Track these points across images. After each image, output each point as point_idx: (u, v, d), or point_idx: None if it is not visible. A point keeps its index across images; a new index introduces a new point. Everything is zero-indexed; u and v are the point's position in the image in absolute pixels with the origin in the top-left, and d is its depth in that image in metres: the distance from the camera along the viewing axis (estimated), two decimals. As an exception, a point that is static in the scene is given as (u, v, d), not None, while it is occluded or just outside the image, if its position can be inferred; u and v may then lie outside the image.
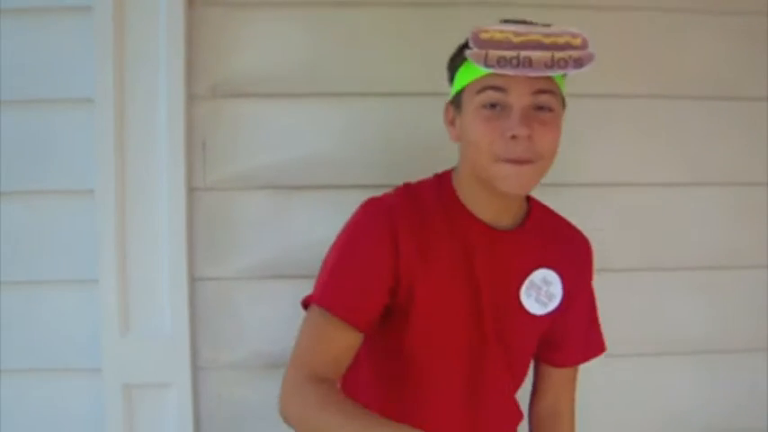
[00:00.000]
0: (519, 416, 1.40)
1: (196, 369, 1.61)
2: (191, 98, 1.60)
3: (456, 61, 1.21)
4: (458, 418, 1.27)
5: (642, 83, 1.72)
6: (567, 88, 1.23)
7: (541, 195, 1.44)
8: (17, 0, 1.56)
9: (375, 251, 1.18)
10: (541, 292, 1.26)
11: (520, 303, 1.25)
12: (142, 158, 1.55)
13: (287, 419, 1.14)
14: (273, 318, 1.53)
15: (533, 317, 1.27)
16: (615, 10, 1.70)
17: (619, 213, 1.73)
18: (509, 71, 1.09)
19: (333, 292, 1.18)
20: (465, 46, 1.16)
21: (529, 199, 1.32)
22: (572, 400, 1.43)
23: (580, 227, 1.43)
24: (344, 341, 1.17)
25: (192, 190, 1.60)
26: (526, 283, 1.25)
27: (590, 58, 1.11)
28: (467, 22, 1.19)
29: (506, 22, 1.13)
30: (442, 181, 1.27)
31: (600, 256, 1.67)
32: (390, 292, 1.19)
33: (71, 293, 1.60)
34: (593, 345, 1.40)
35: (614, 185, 1.73)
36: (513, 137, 1.11)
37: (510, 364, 1.31)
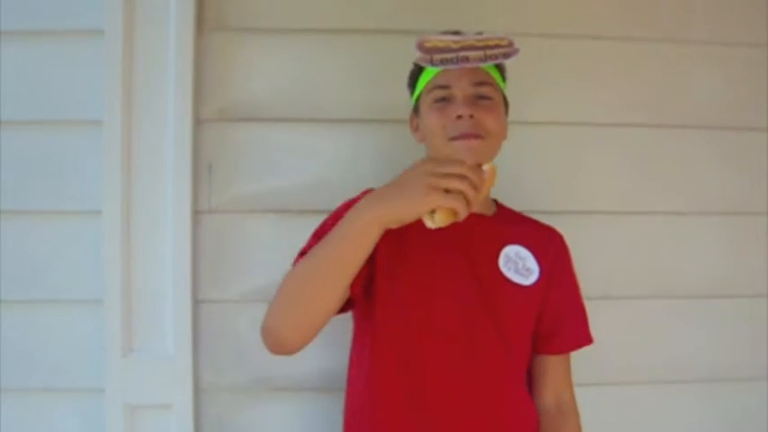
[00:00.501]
0: (532, 412, 1.40)
1: (197, 391, 1.62)
2: (197, 121, 1.62)
3: (413, 76, 1.44)
4: (457, 390, 1.31)
5: (644, 112, 1.74)
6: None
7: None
8: (30, 23, 1.59)
9: None
10: (519, 266, 1.38)
11: (502, 275, 1.36)
12: (149, 180, 1.57)
13: (266, 329, 1.22)
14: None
15: (520, 288, 1.37)
16: (615, 40, 1.73)
17: (621, 242, 1.74)
18: (451, 67, 1.29)
19: (311, 244, 1.31)
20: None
21: (497, 203, 1.49)
22: (572, 394, 1.47)
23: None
24: None
25: (197, 212, 1.62)
26: (502, 257, 1.38)
27: (516, 51, 1.30)
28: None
29: (444, 33, 1.33)
30: None
31: (603, 285, 1.69)
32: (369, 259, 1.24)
33: (75, 313, 1.61)
34: (584, 333, 1.47)
35: (617, 214, 1.74)
36: (459, 116, 1.32)
37: (503, 337, 1.34)
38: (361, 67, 1.67)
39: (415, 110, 1.45)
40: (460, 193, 1.05)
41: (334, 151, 1.67)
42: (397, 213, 1.08)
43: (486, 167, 1.11)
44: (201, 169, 1.63)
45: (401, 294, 1.32)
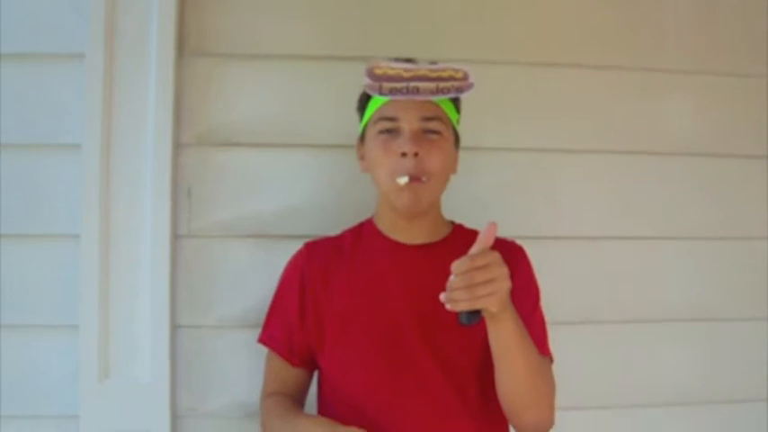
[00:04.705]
0: None
1: (175, 417, 1.59)
2: (177, 146, 1.62)
3: (362, 101, 1.41)
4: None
5: (620, 139, 1.77)
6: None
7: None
8: (10, 45, 1.59)
9: (288, 293, 1.41)
10: None
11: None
12: (127, 205, 1.56)
13: None
14: (254, 367, 1.53)
15: None
16: (591, 69, 1.75)
17: (601, 267, 1.75)
18: (399, 98, 1.29)
19: (264, 330, 1.45)
20: None
21: (454, 225, 1.45)
22: None
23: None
24: (279, 370, 1.41)
25: (176, 237, 1.61)
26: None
27: (469, 86, 1.28)
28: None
29: (396, 60, 1.32)
30: (364, 221, 1.48)
31: (585, 309, 1.69)
32: (304, 325, 1.38)
33: (51, 338, 1.59)
34: (540, 349, 1.35)
35: (599, 239, 1.75)
36: (403, 154, 1.29)
37: (452, 379, 1.30)
38: (341, 93, 1.65)
39: (362, 137, 1.42)
40: None
41: (314, 177, 1.67)
42: None
43: None
44: (181, 194, 1.62)
45: (343, 346, 1.35)
